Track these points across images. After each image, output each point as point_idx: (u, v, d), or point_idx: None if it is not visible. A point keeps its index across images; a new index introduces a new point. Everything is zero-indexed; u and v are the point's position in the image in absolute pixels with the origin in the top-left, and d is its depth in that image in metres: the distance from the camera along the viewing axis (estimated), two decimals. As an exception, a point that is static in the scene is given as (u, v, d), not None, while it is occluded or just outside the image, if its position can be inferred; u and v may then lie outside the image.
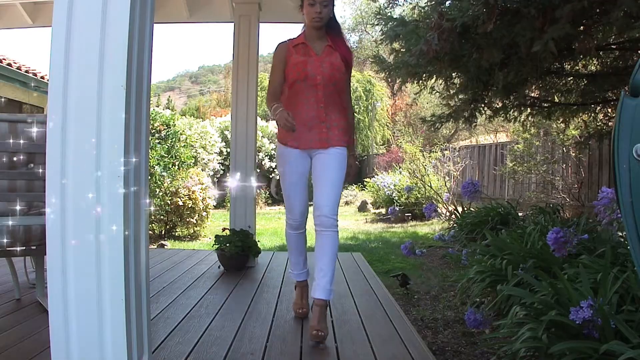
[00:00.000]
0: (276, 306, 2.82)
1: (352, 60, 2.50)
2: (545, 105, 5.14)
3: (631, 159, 0.92)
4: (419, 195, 9.06)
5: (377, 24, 4.48)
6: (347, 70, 2.46)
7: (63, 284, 1.20)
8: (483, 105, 4.73)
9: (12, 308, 2.64)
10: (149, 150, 1.64)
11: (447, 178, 8.97)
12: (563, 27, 2.83)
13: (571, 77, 4.93)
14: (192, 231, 7.52)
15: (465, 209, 5.36)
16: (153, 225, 7.18)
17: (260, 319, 2.57)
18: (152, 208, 6.87)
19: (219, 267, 3.91)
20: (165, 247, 6.38)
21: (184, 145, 8.16)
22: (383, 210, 10.30)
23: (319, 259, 2.35)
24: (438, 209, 6.52)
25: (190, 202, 7.28)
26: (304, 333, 2.34)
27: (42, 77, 9.76)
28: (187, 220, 7.36)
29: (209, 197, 7.67)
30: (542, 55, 3.29)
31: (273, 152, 12.59)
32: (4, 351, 1.99)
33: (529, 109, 5.13)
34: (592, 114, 5.40)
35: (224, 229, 4.03)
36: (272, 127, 13.07)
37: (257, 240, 4.06)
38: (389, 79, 4.76)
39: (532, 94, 5.09)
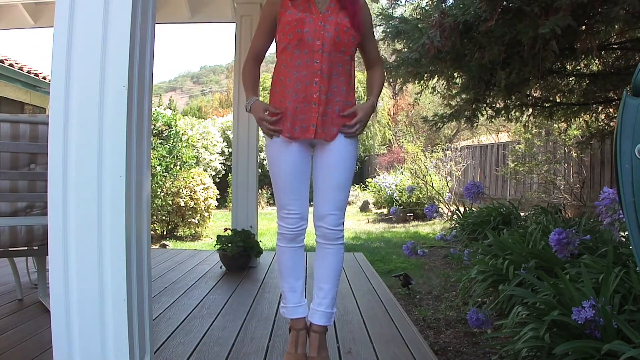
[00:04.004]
0: (278, 306, 2.81)
1: (362, 19, 1.85)
2: (546, 105, 5.14)
3: (633, 159, 0.92)
4: (420, 195, 9.07)
5: (379, 24, 4.47)
6: (358, 32, 1.84)
7: (65, 284, 1.20)
8: (485, 105, 4.73)
9: (14, 308, 2.65)
10: (151, 151, 1.64)
11: (448, 178, 8.96)
12: (564, 18, 2.82)
13: (573, 77, 4.92)
14: (194, 231, 7.53)
15: (467, 209, 5.35)
16: (155, 225, 7.20)
17: (262, 319, 2.57)
18: (153, 208, 6.88)
19: (220, 267, 3.92)
20: (167, 247, 6.39)
21: (186, 145, 8.17)
22: (385, 210, 10.30)
23: (319, 275, 1.94)
24: (440, 209, 6.52)
25: (192, 202, 7.29)
26: (306, 333, 2.33)
27: (44, 78, 9.79)
28: (189, 220, 7.37)
29: (211, 197, 7.68)
30: (544, 54, 3.29)
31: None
32: (6, 351, 1.99)
33: (530, 109, 5.12)
34: (594, 114, 5.39)
35: (225, 229, 4.03)
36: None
37: (259, 240, 4.06)
38: (390, 80, 4.75)
39: (534, 94, 5.09)
